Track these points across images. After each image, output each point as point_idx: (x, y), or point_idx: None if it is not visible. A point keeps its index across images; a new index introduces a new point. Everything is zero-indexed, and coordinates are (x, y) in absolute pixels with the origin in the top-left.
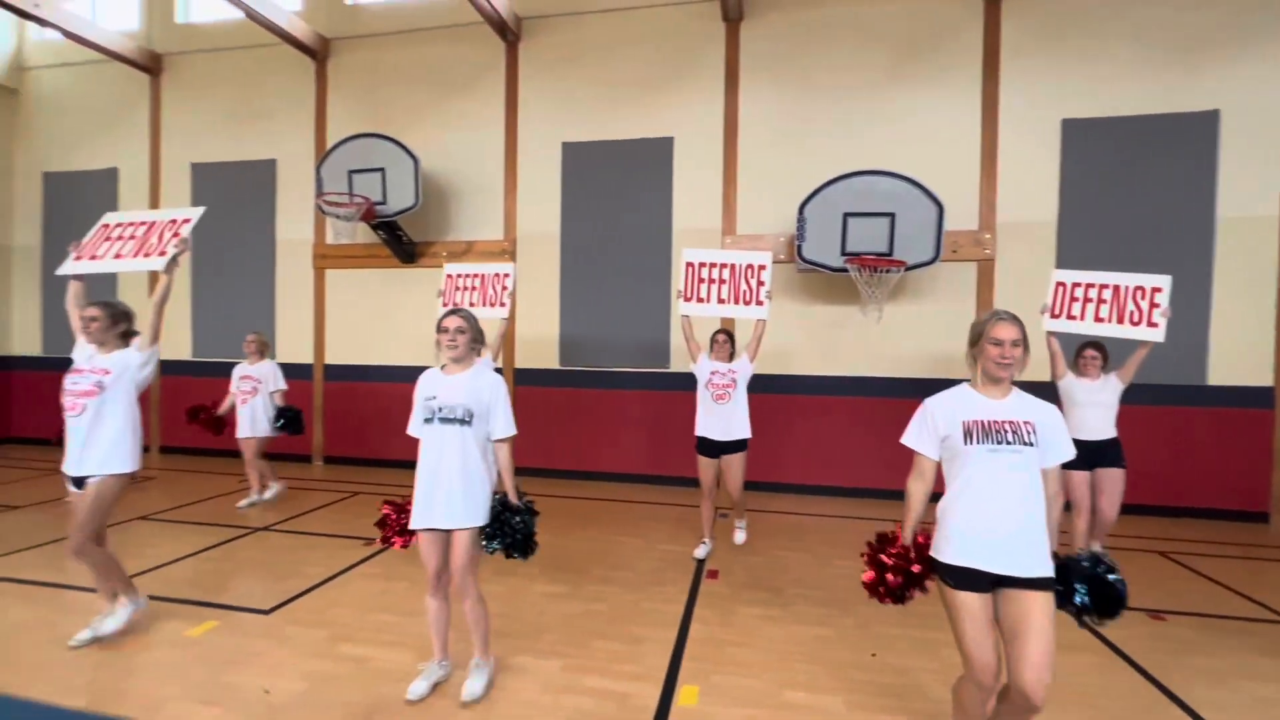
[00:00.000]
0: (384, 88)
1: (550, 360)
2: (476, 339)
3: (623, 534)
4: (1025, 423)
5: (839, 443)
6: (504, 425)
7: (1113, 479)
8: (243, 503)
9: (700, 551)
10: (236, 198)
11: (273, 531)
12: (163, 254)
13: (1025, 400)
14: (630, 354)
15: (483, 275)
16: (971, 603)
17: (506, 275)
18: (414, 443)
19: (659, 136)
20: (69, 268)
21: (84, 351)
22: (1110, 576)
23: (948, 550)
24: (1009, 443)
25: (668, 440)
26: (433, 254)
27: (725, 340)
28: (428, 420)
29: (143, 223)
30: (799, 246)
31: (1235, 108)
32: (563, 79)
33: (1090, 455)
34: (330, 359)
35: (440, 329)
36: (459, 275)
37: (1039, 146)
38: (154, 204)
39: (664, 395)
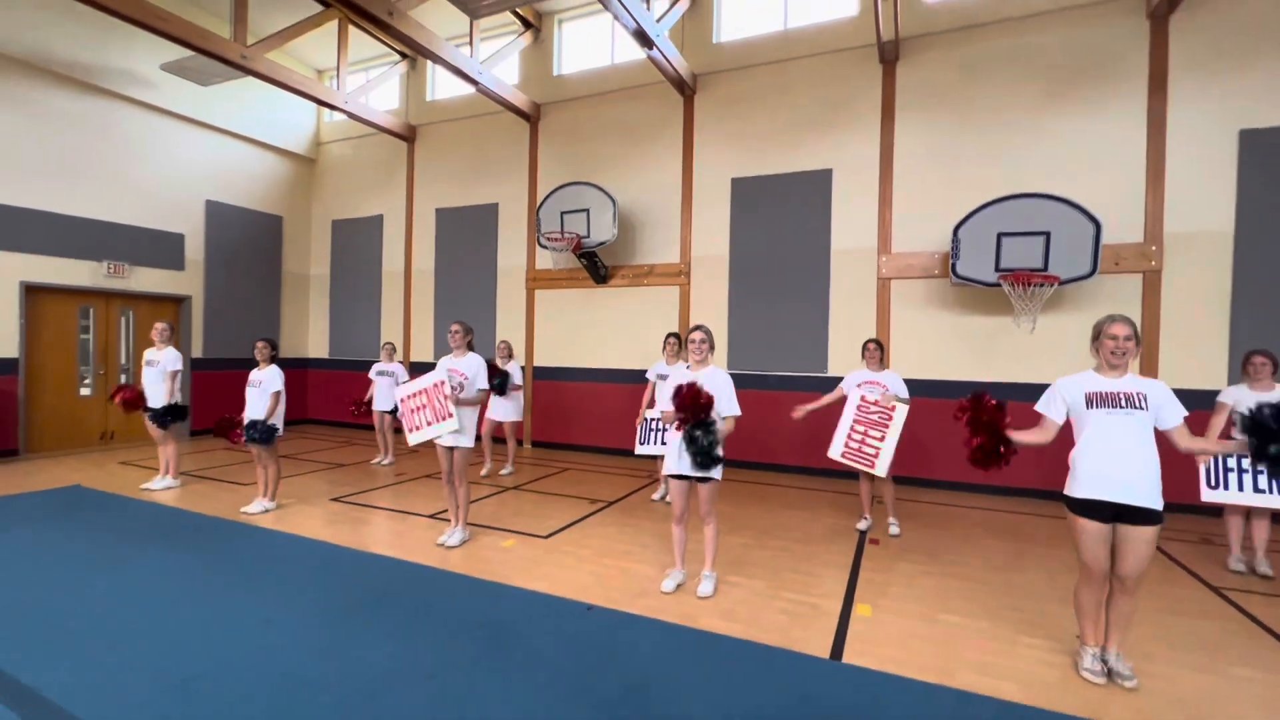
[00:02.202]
0: (583, 141)
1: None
2: (712, 348)
3: (791, 508)
4: (1138, 393)
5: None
6: (729, 407)
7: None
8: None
9: (862, 525)
10: (467, 235)
11: (522, 491)
12: (450, 415)
13: (1139, 379)
14: (790, 359)
15: (425, 390)
16: (1090, 526)
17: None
18: (607, 428)
19: (819, 169)
20: (413, 440)
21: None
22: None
23: (1076, 487)
24: (1123, 407)
25: (823, 434)
26: (621, 275)
27: (875, 349)
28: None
29: (420, 392)
30: (954, 264)
31: None
32: (731, 124)
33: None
34: (539, 362)
35: (690, 339)
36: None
37: (1213, 158)
38: (408, 241)
39: (819, 397)
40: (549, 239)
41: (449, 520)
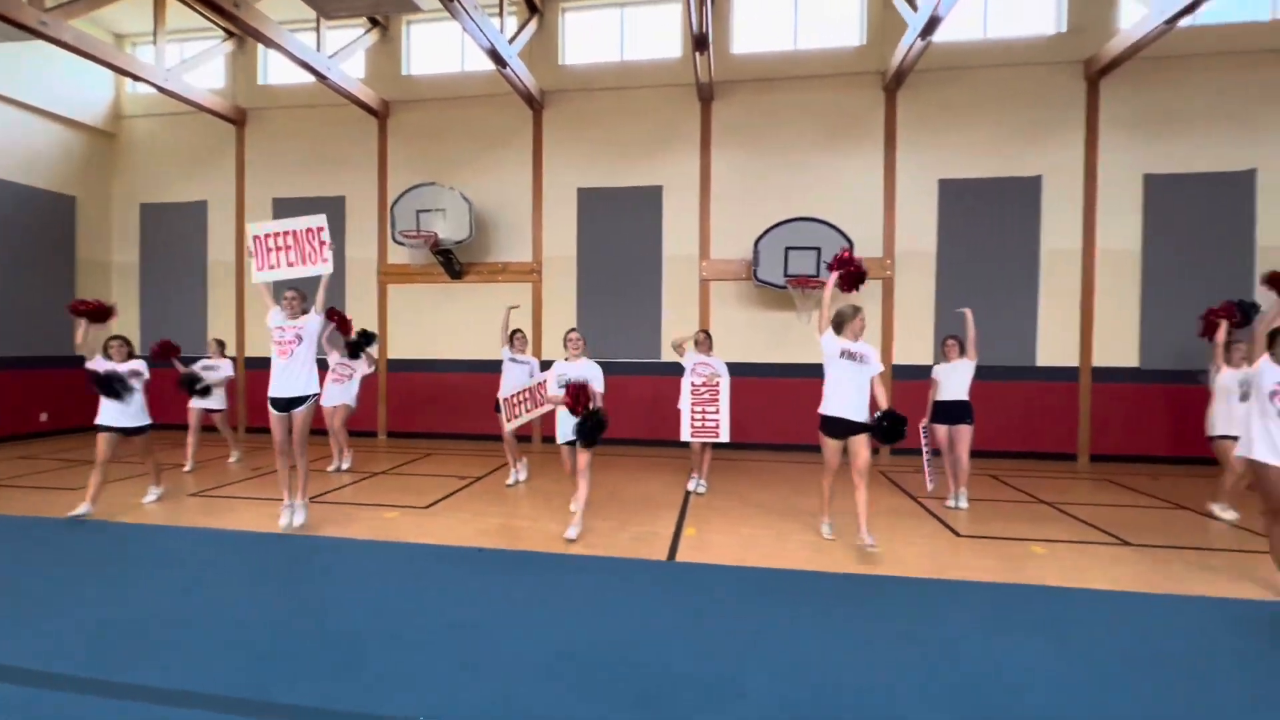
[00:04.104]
0: (436, 142)
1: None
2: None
3: (635, 471)
4: (862, 354)
5: (782, 410)
6: (599, 386)
7: (964, 433)
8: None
9: (692, 484)
10: None
11: (389, 475)
12: (324, 260)
13: (864, 344)
14: (631, 347)
15: (294, 232)
16: (831, 440)
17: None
18: (465, 415)
19: (652, 185)
20: (260, 278)
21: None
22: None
23: (826, 409)
24: (855, 360)
25: (659, 412)
26: (476, 272)
27: (705, 339)
28: (563, 386)
29: (285, 232)
30: (755, 270)
31: (1055, 173)
32: (578, 139)
33: (949, 414)
34: (393, 354)
35: (569, 338)
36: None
37: (924, 198)
38: (240, 233)
39: (655, 380)
40: (405, 236)
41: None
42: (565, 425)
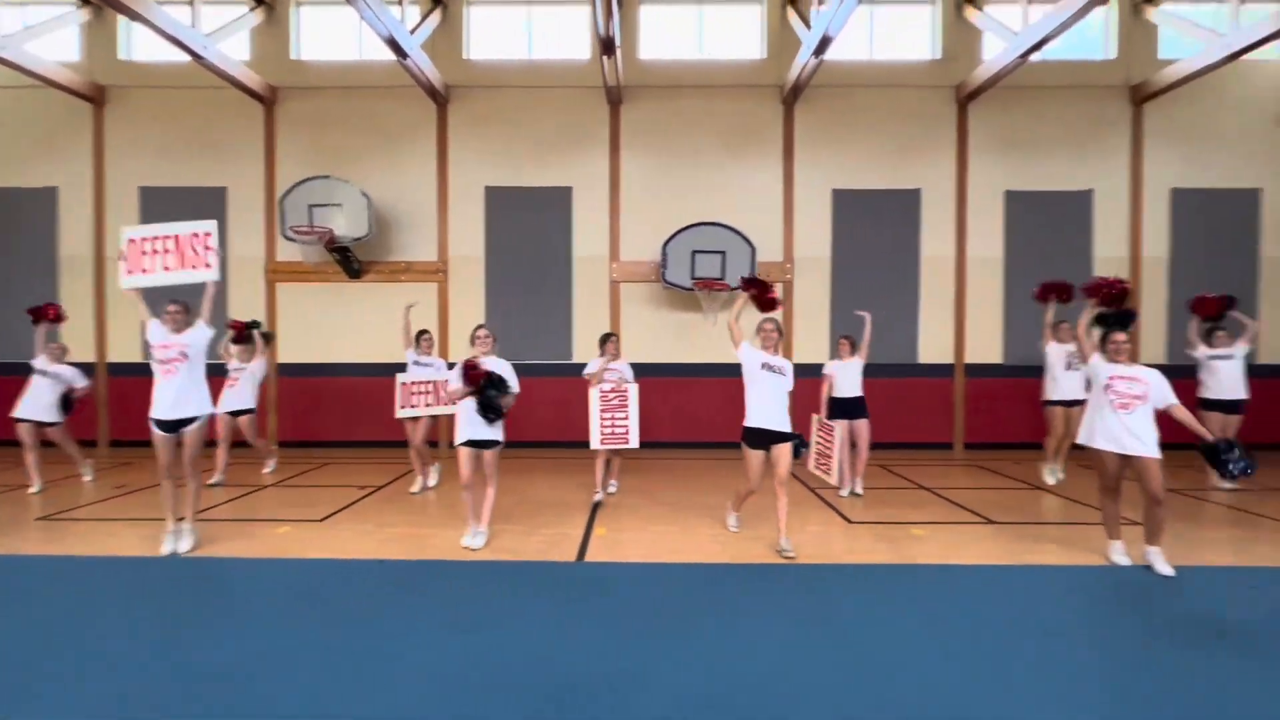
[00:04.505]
0: (332, 133)
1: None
2: (496, 341)
3: (544, 474)
4: (780, 365)
5: (690, 408)
6: (513, 386)
7: (863, 427)
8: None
9: (598, 496)
10: (186, 218)
11: (281, 487)
12: (208, 266)
13: (782, 358)
14: (542, 349)
15: (177, 236)
16: (754, 451)
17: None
18: (366, 421)
19: (561, 185)
20: (128, 284)
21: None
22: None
23: (748, 421)
24: (774, 372)
25: (569, 413)
26: (377, 271)
27: (613, 342)
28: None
29: (167, 236)
30: (663, 273)
31: (932, 187)
32: (485, 136)
33: (847, 410)
34: (284, 358)
35: (477, 335)
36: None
37: (820, 207)
38: (99, 221)
39: (565, 381)
40: (297, 232)
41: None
42: (466, 425)
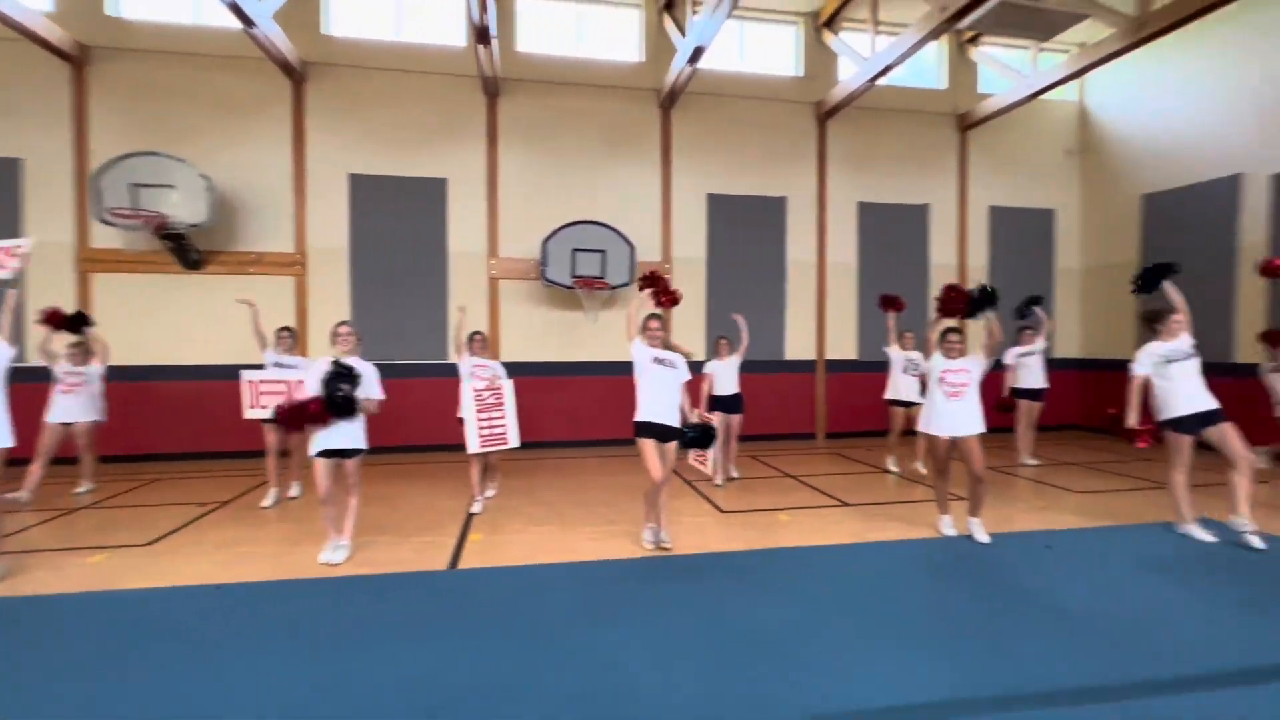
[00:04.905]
0: (162, 103)
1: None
2: (359, 339)
3: (418, 479)
4: (671, 359)
5: (572, 407)
6: (374, 391)
7: (737, 421)
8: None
9: (476, 508)
10: None
11: (99, 508)
12: (3, 268)
13: (672, 353)
14: (414, 348)
15: None
16: (649, 442)
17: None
18: (208, 430)
19: (435, 177)
20: None
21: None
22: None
23: (641, 416)
24: (666, 365)
25: (446, 416)
26: (220, 262)
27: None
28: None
29: None
30: (543, 270)
31: (796, 195)
32: (349, 120)
33: (726, 405)
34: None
35: (336, 333)
36: None
37: (696, 210)
38: None
39: (440, 382)
40: (117, 215)
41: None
42: (322, 433)
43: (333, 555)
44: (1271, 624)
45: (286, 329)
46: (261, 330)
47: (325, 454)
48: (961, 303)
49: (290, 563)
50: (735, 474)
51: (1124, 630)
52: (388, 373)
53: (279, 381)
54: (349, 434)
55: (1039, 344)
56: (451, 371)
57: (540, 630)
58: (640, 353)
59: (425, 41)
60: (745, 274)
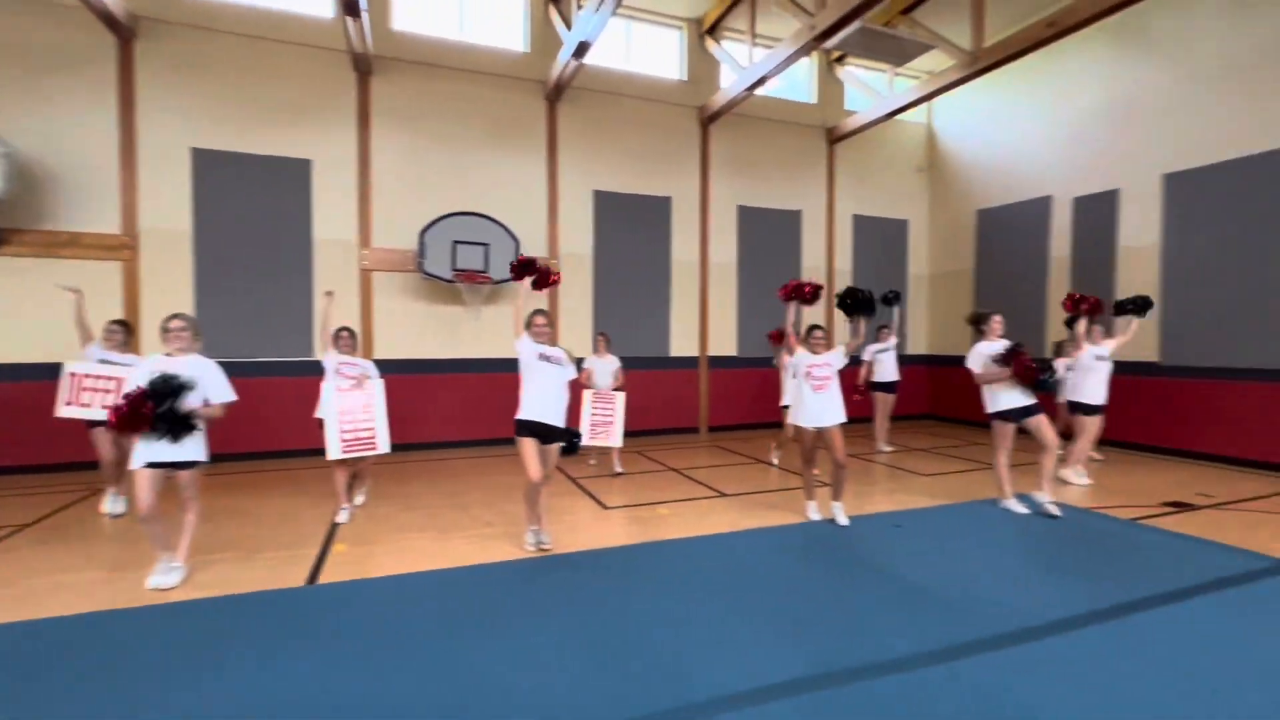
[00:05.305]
0: None
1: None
2: (196, 335)
3: (276, 488)
4: (557, 356)
5: (451, 406)
6: (221, 393)
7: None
8: None
9: (342, 517)
10: None
11: None
12: None
13: (560, 349)
14: (275, 344)
15: None
16: (529, 441)
17: None
18: (18, 441)
19: (298, 157)
20: None
21: None
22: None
23: (523, 414)
24: (553, 362)
25: (310, 418)
26: (24, 242)
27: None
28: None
29: None
30: (420, 263)
31: (681, 196)
32: (192, 88)
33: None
34: None
35: (166, 329)
36: None
37: (582, 205)
38: None
39: (302, 381)
40: None
41: None
42: (144, 442)
43: (163, 579)
44: (1070, 581)
45: (118, 323)
46: (86, 322)
47: (151, 466)
48: (869, 306)
49: (109, 593)
50: (619, 467)
51: (955, 597)
52: (244, 371)
53: (108, 378)
54: (182, 443)
55: (893, 341)
56: (318, 370)
57: (406, 644)
58: (525, 348)
59: (287, 9)
60: (632, 272)
